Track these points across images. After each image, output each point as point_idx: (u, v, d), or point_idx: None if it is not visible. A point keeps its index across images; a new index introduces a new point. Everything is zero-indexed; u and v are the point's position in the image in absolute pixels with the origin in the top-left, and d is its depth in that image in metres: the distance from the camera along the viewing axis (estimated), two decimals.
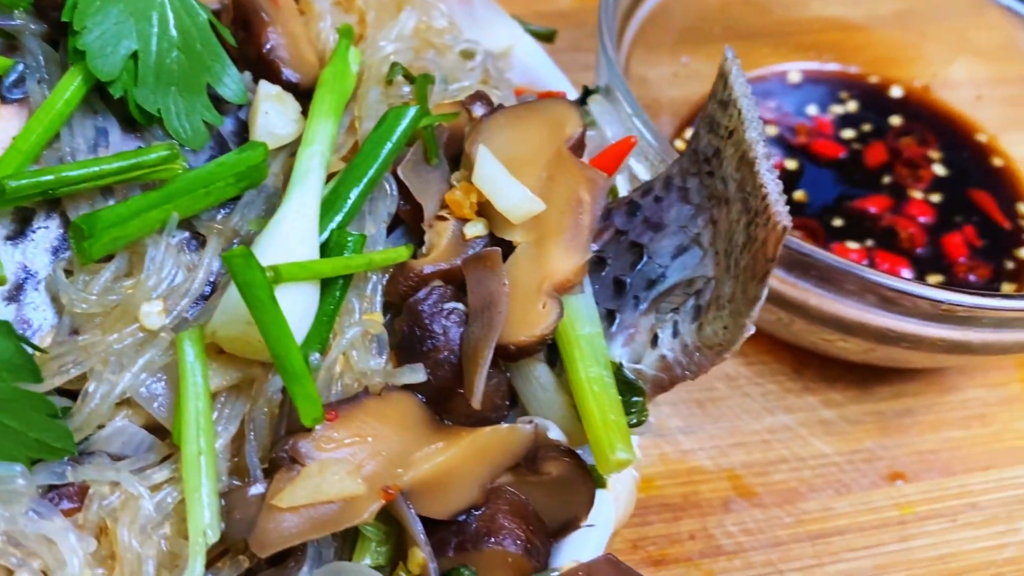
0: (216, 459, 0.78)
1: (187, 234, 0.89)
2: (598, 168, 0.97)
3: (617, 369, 0.90)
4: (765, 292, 0.83)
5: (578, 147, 0.97)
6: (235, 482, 0.82)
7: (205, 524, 0.75)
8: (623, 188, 1.12)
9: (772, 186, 0.84)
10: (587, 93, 1.15)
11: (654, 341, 0.93)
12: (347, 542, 0.83)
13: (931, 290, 1.13)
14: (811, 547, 1.21)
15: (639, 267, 0.94)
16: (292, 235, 0.84)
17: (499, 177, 0.92)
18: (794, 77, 1.57)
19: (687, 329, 0.91)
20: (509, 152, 0.95)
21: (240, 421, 0.83)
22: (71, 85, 0.87)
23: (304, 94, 1.00)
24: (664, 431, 1.29)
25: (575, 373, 0.87)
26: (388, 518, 0.83)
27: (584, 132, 0.98)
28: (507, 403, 0.90)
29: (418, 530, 0.80)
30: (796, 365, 1.36)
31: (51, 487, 0.77)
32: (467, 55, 1.14)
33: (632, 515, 1.02)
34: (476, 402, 0.83)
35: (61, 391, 0.81)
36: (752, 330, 0.85)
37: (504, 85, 1.14)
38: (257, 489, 0.79)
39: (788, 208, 0.82)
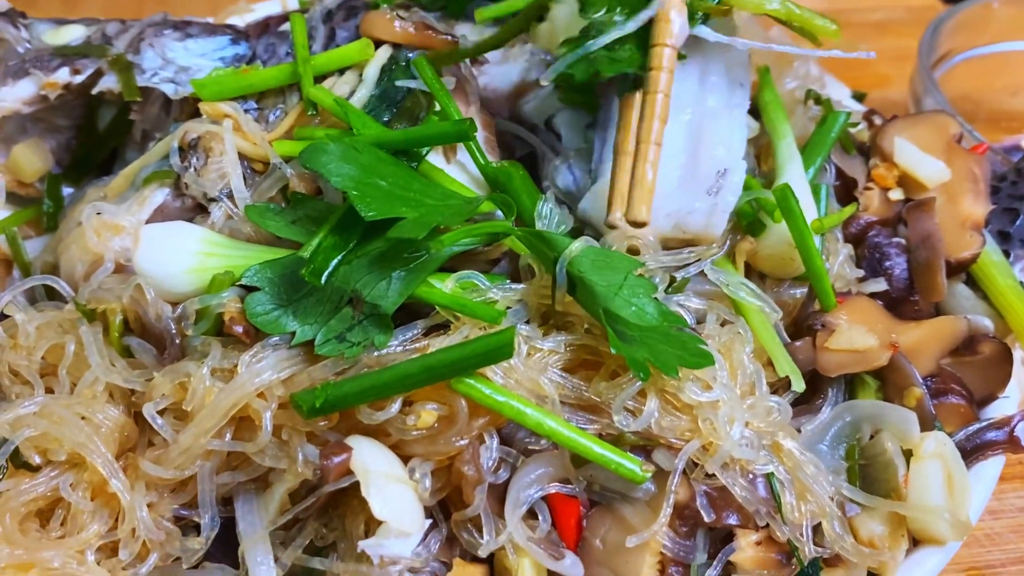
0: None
1: None
2: None
3: (1019, 284, 1.26)
4: None
5: (960, 140, 1.36)
6: None
7: (787, 358, 1.11)
8: None
9: None
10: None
11: None
12: (848, 389, 1.18)
13: None
14: None
15: (1017, 223, 1.32)
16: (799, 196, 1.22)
17: (918, 156, 1.31)
18: None
19: None
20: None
21: None
22: None
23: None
24: None
25: (995, 283, 1.24)
26: (874, 374, 1.18)
27: (962, 132, 1.37)
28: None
29: (914, 373, 1.15)
30: None
31: None
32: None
33: None
34: (943, 294, 1.19)
35: None
36: None
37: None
38: (802, 343, 1.15)
39: None
